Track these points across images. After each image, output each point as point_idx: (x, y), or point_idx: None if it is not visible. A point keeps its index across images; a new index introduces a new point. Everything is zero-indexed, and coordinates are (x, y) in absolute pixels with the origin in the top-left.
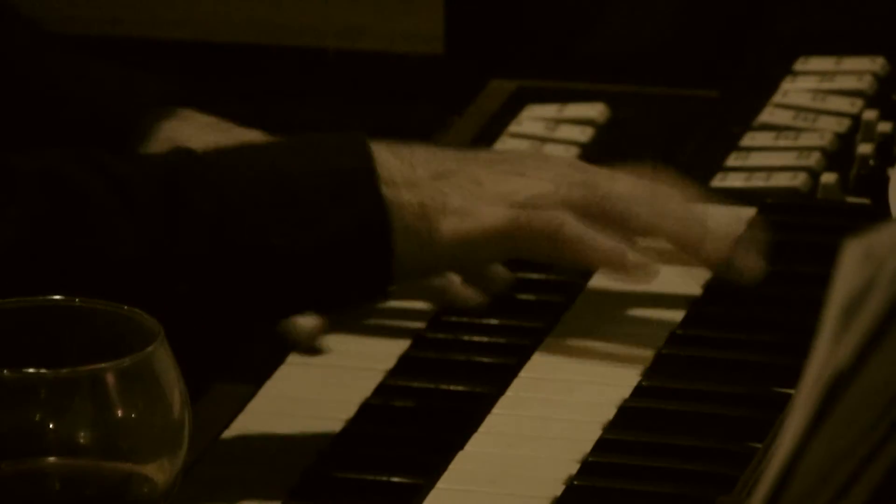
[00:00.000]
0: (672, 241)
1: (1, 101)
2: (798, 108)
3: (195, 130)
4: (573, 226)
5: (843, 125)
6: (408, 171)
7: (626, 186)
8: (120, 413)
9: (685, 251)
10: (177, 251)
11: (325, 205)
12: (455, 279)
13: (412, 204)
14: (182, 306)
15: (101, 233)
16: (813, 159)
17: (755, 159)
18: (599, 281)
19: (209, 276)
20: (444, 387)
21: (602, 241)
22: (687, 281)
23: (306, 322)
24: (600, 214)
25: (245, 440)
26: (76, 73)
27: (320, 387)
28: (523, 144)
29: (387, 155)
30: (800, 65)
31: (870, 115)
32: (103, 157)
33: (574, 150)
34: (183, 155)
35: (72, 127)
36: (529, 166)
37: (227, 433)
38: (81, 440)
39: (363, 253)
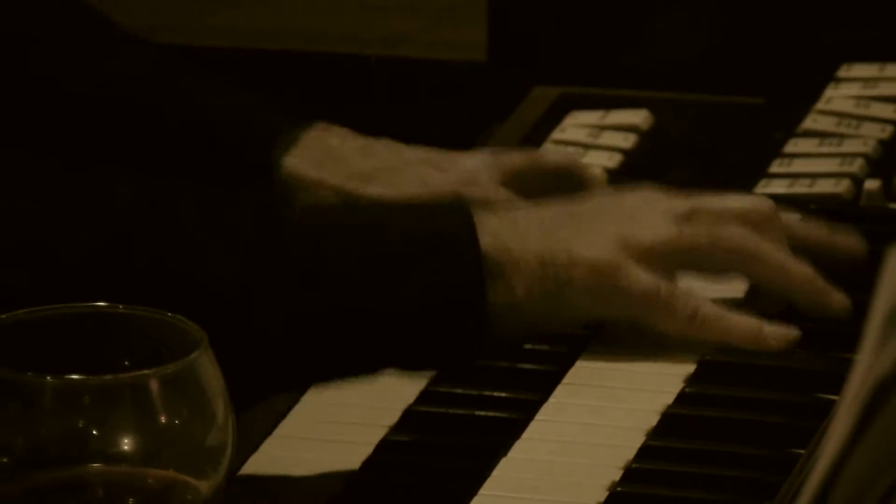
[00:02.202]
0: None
1: (131, 135)
2: (841, 115)
3: (339, 138)
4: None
5: (886, 132)
6: (513, 228)
7: (739, 228)
8: (163, 420)
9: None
10: (265, 285)
11: (422, 262)
12: None
13: (529, 261)
14: (262, 344)
15: (190, 253)
16: (856, 166)
17: (798, 166)
18: None
19: (292, 318)
20: (487, 393)
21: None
22: (732, 287)
23: None
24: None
25: (289, 445)
26: (210, 95)
27: (363, 394)
28: (566, 151)
29: (488, 217)
30: (843, 72)
31: None
32: (203, 188)
33: (617, 157)
34: (281, 200)
35: (213, 149)
36: (639, 206)
37: (271, 439)
38: (125, 447)
39: (454, 313)
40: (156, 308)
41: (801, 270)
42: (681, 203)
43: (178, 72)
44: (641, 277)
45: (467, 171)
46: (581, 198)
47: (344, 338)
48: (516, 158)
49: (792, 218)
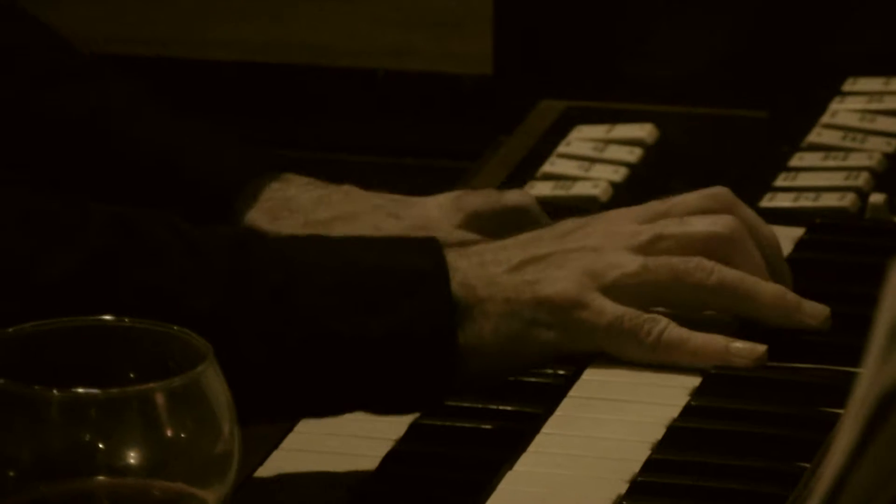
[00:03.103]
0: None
1: (97, 166)
2: (846, 129)
3: (298, 189)
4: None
5: (891, 146)
6: (480, 270)
7: (705, 244)
8: (169, 433)
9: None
10: (239, 312)
11: (394, 298)
12: None
13: (496, 301)
14: (234, 372)
15: (166, 277)
16: (861, 179)
17: (803, 179)
18: None
19: (265, 346)
20: (493, 406)
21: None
22: None
23: None
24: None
25: (295, 458)
26: (177, 138)
27: None
28: (572, 165)
29: (457, 258)
30: (848, 85)
31: None
32: (175, 219)
33: (623, 171)
34: (254, 231)
35: (176, 192)
36: (602, 235)
37: (278, 452)
38: (131, 460)
39: (425, 352)
40: None
41: (768, 291)
42: (644, 230)
43: (149, 110)
44: (606, 308)
45: (422, 216)
46: (545, 233)
47: (312, 371)
48: (476, 200)
49: (764, 232)
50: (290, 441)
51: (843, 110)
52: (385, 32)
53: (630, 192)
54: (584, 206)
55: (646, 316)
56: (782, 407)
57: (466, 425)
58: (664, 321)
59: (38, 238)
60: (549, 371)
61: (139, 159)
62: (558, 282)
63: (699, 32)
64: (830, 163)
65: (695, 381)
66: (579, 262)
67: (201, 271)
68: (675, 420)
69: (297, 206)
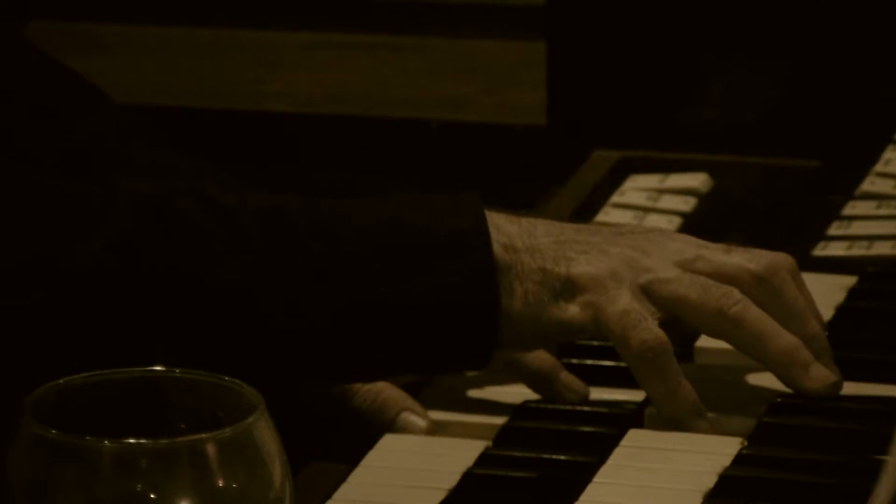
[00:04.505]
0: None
1: None
2: None
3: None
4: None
5: None
6: (527, 237)
7: (748, 288)
8: (220, 484)
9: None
10: (278, 284)
11: (436, 260)
12: (561, 369)
13: (533, 269)
14: (278, 342)
15: (198, 255)
16: None
17: (856, 228)
18: (701, 350)
19: (308, 316)
20: (545, 456)
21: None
22: None
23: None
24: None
25: None
26: (170, 167)
27: (423, 457)
28: (626, 215)
29: (504, 221)
30: None
31: None
32: (211, 189)
33: (677, 221)
34: (294, 197)
35: None
36: (653, 243)
37: (330, 503)
38: None
39: (469, 312)
40: (163, 313)
41: (782, 342)
42: (690, 250)
43: (143, 140)
44: (622, 299)
45: None
46: (608, 228)
47: (356, 334)
48: None
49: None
50: (343, 492)
51: (895, 159)
52: (438, 83)
53: None
54: None
55: (648, 324)
56: (834, 455)
57: (520, 475)
58: (661, 334)
59: (68, 224)
60: (601, 419)
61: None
62: (593, 265)
63: (751, 81)
64: (883, 211)
65: (747, 429)
66: (621, 256)
67: (238, 249)
68: (727, 469)
69: None
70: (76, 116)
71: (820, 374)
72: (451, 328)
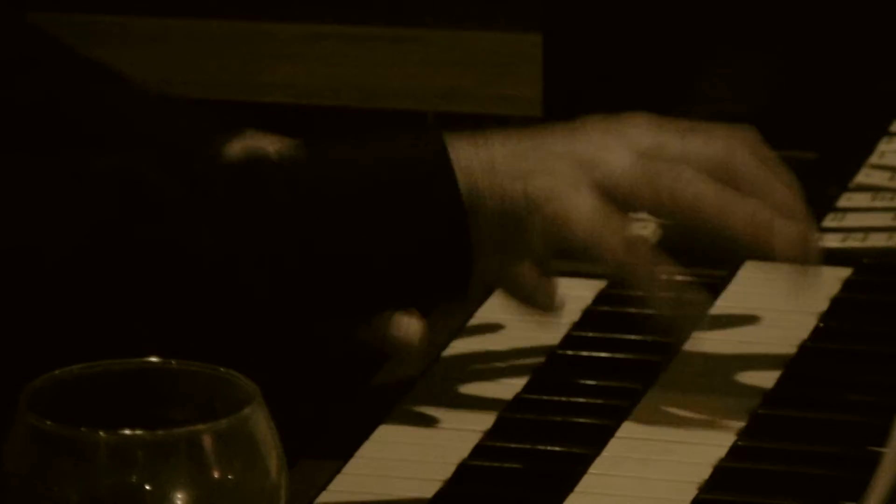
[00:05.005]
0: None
1: (57, 143)
2: (895, 169)
3: (266, 143)
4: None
5: None
6: (484, 156)
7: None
8: (217, 475)
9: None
10: (254, 246)
11: (402, 195)
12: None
13: (492, 190)
14: (260, 302)
15: (173, 226)
16: None
17: (851, 220)
18: (695, 342)
19: (288, 272)
20: (541, 447)
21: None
22: (782, 341)
23: (405, 327)
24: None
25: (341, 498)
26: (134, 108)
27: (417, 449)
28: None
29: (463, 143)
30: None
31: None
32: (177, 157)
33: None
34: (258, 153)
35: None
36: (610, 134)
37: (325, 494)
38: (178, 502)
39: (442, 244)
40: (145, 285)
41: (740, 211)
42: (648, 138)
43: (110, 86)
44: (584, 205)
45: None
46: (561, 126)
47: (335, 281)
48: None
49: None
50: (338, 483)
51: (891, 151)
52: (435, 75)
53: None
54: None
55: (617, 218)
56: (829, 447)
57: (514, 466)
58: (630, 227)
59: (42, 211)
60: (597, 411)
61: (99, 133)
62: (550, 174)
63: (747, 74)
64: (878, 203)
65: (742, 421)
66: (575, 156)
67: (211, 214)
68: (722, 460)
69: None
70: (39, 69)
71: (788, 232)
72: (425, 263)
